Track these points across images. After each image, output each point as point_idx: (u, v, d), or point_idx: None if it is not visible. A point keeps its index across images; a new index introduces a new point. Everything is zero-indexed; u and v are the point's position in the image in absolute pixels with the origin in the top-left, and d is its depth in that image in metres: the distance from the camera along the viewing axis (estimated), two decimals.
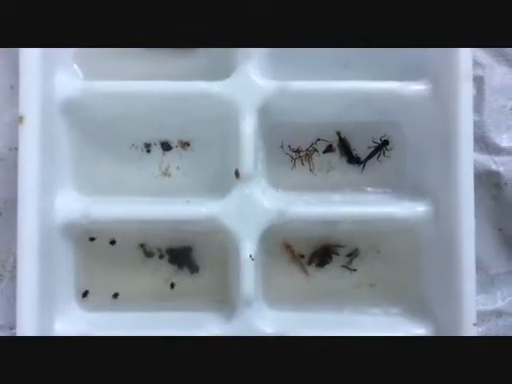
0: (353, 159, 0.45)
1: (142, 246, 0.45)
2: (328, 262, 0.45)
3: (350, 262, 0.45)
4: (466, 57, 0.40)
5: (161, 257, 0.45)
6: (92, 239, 0.44)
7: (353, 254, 0.45)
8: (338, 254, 0.45)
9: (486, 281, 0.46)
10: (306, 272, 0.45)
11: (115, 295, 0.45)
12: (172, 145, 0.45)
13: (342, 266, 0.45)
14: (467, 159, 0.40)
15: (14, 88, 0.44)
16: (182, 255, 0.45)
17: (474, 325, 0.40)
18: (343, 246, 0.45)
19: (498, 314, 0.46)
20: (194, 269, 0.45)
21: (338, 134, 0.45)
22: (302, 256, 0.45)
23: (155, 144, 0.45)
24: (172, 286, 0.45)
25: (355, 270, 0.45)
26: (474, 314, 0.40)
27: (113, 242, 0.45)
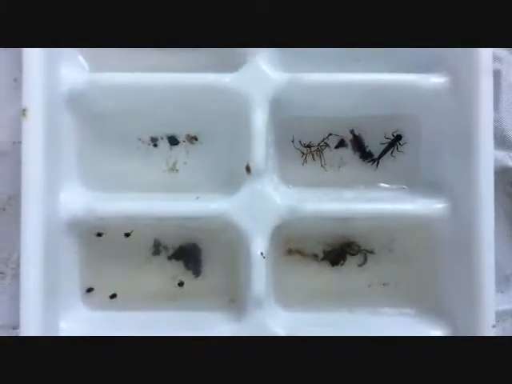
0: (366, 156, 0.45)
1: (149, 243, 0.44)
2: (342, 263, 0.44)
3: (365, 260, 0.44)
4: (486, 49, 0.40)
5: (169, 255, 0.44)
6: (99, 235, 0.44)
7: (366, 252, 0.44)
8: (352, 254, 0.44)
9: (502, 280, 0.45)
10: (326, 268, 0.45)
11: (118, 294, 0.44)
12: (179, 139, 0.45)
13: (359, 266, 0.44)
14: (487, 155, 0.40)
15: (17, 81, 0.43)
16: (190, 254, 0.44)
17: (493, 326, 0.39)
18: (354, 243, 0.44)
19: None
20: (197, 272, 0.44)
21: (352, 131, 0.44)
22: (317, 255, 0.44)
23: (162, 138, 0.45)
24: (180, 284, 0.44)
25: (364, 263, 0.44)
26: (492, 315, 0.40)
27: (127, 234, 0.44)
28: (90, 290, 0.44)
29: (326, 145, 0.45)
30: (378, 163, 0.44)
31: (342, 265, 0.44)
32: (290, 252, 0.44)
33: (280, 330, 0.41)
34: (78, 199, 0.42)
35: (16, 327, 0.42)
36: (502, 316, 0.45)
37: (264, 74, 0.41)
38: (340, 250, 0.44)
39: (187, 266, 0.44)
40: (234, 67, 0.42)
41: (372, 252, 0.44)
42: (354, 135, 0.44)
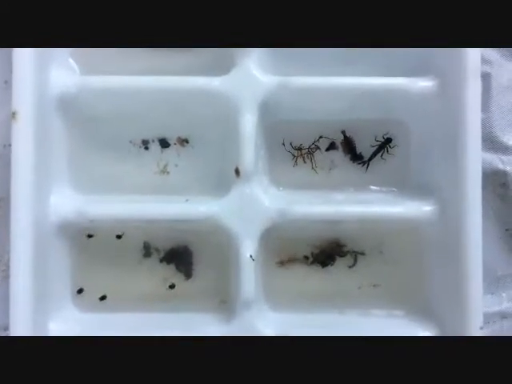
0: (357, 158, 0.45)
1: (140, 245, 0.44)
2: (331, 264, 0.44)
3: (355, 261, 0.45)
4: (474, 52, 0.40)
5: (160, 257, 0.44)
6: (90, 236, 0.44)
7: (356, 253, 0.45)
8: (341, 256, 0.44)
9: (492, 282, 0.45)
10: (316, 270, 0.45)
11: (109, 296, 0.44)
12: (170, 142, 0.45)
13: (349, 267, 0.45)
14: (475, 158, 0.40)
15: (8, 83, 0.43)
16: (180, 256, 0.44)
17: (481, 328, 0.39)
18: (344, 245, 0.44)
19: (503, 315, 0.45)
20: (188, 274, 0.44)
21: (343, 132, 0.45)
22: (306, 257, 0.44)
23: (153, 141, 0.45)
24: (171, 286, 0.44)
25: (354, 264, 0.44)
26: (480, 316, 0.40)
27: (119, 236, 0.44)
28: (80, 291, 0.44)
29: (317, 147, 0.45)
30: (368, 165, 0.44)
31: (331, 265, 0.44)
32: (282, 263, 0.44)
33: (269, 331, 0.41)
34: (68, 202, 0.42)
35: (6, 328, 0.42)
36: (491, 318, 0.45)
37: (253, 77, 0.41)
38: (330, 251, 0.44)
39: (178, 269, 0.44)
40: (223, 70, 0.42)
41: (362, 253, 0.44)
42: (345, 136, 0.45)
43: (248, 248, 0.41)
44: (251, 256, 0.41)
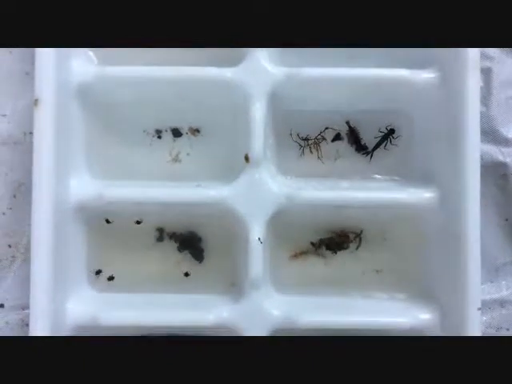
0: (361, 148, 0.46)
1: (154, 230, 0.46)
2: (336, 251, 0.46)
3: (359, 243, 0.46)
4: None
5: (172, 241, 0.46)
6: (107, 221, 0.45)
7: (359, 236, 0.46)
8: (345, 248, 0.46)
9: (491, 270, 0.46)
10: (322, 256, 0.46)
11: (123, 277, 0.45)
12: (182, 131, 0.46)
13: (355, 249, 0.46)
14: (474, 146, 0.40)
15: (29, 74, 0.45)
16: (192, 240, 0.46)
17: (479, 309, 0.40)
18: (350, 230, 0.46)
19: (503, 303, 0.46)
20: (199, 257, 0.46)
21: (348, 123, 0.46)
22: (313, 243, 0.46)
23: (166, 130, 0.46)
24: (185, 273, 0.46)
25: (359, 245, 0.45)
26: (478, 298, 0.40)
27: (139, 222, 0.45)
28: (98, 272, 0.45)
29: (323, 138, 0.46)
30: (371, 155, 0.45)
31: (336, 253, 0.46)
32: (295, 256, 0.46)
33: (276, 313, 0.42)
34: (85, 186, 0.43)
35: (25, 308, 0.44)
36: (491, 305, 0.46)
37: (263, 68, 0.42)
38: (336, 237, 0.45)
39: (190, 253, 0.46)
40: (234, 62, 0.43)
41: (361, 233, 0.45)
42: (350, 127, 0.46)
43: (256, 231, 0.42)
44: (259, 239, 0.42)
